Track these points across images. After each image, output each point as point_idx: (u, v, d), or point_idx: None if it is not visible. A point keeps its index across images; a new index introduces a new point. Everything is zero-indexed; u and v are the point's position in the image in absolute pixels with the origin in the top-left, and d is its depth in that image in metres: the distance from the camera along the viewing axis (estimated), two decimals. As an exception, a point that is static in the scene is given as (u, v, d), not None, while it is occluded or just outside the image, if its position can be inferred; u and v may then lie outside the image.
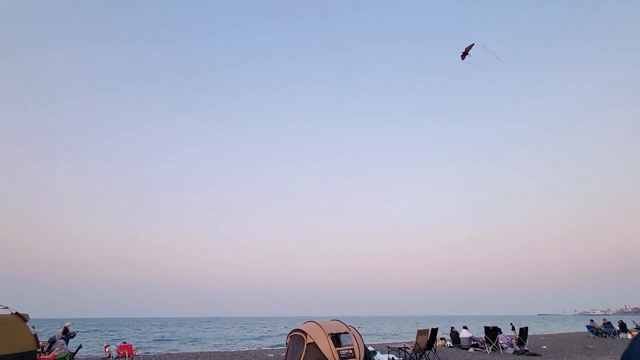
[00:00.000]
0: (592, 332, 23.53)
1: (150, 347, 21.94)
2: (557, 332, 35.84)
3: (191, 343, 26.27)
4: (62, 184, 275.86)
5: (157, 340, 29.17)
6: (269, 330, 44.71)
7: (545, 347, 16.78)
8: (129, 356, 11.29)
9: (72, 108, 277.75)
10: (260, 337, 32.26)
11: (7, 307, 8.51)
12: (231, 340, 29.48)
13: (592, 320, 24.81)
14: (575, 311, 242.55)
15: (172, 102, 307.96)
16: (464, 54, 12.77)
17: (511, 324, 17.57)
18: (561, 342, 19.59)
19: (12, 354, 7.63)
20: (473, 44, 12.67)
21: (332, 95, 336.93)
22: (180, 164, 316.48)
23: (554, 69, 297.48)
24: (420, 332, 11.48)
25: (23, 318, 8.58)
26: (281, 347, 19.19)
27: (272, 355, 14.32)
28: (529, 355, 13.26)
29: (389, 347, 13.56)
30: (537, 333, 32.51)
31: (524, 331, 15.04)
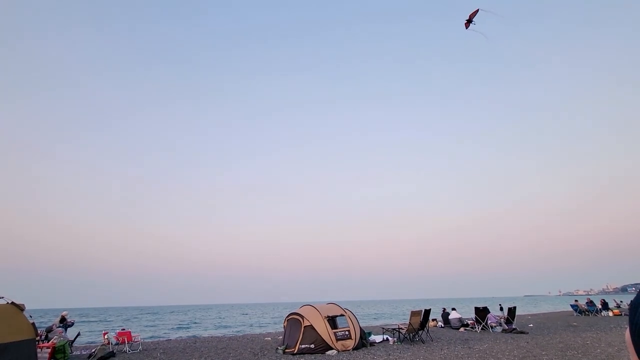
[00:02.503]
0: (575, 310, 24.56)
1: (165, 334, 22.16)
2: (543, 311, 37.27)
3: (189, 329, 26.60)
4: (62, 175, 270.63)
5: (178, 327, 29.37)
6: (266, 315, 45.47)
7: (531, 325, 17.48)
8: (128, 342, 11.41)
9: (63, 97, 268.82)
10: (257, 322, 32.80)
11: (3, 297, 8.48)
12: (229, 325, 29.92)
13: (576, 300, 25.90)
14: (560, 291, 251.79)
15: (162, 91, 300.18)
16: (468, 21, 11.67)
17: (499, 304, 18.17)
18: (547, 321, 20.43)
19: (12, 342, 7.65)
20: (477, 10, 11.50)
21: (323, 79, 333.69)
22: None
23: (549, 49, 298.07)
24: (414, 314, 11.83)
25: (19, 307, 8.57)
26: (279, 331, 19.57)
27: (269, 338, 14.62)
28: (517, 333, 13.83)
29: (383, 328, 13.96)
30: (524, 313, 33.74)
31: (512, 310, 15.61)
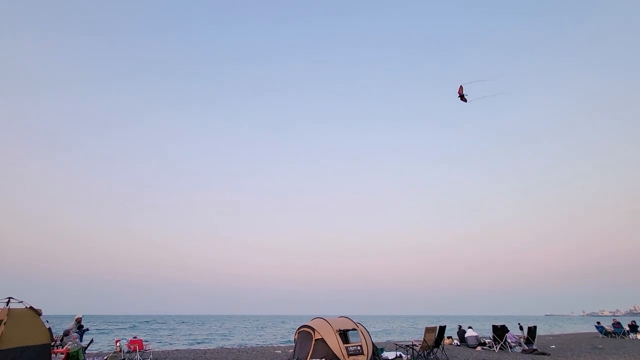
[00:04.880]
0: (601, 332, 23.27)
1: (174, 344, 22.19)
2: (566, 332, 35.49)
3: (197, 340, 26.52)
4: (79, 183, 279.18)
5: (189, 338, 29.44)
6: (277, 327, 44.95)
7: (553, 346, 16.65)
8: (139, 351, 11.45)
9: (66, 101, 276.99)
10: (268, 334, 32.45)
11: (22, 302, 8.69)
12: (239, 336, 29.71)
13: (598, 322, 24.60)
14: (583, 312, 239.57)
15: (173, 98, 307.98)
16: (461, 97, 12.68)
17: (519, 323, 17.35)
18: (570, 342, 19.42)
19: (28, 347, 7.78)
20: (461, 86, 12.60)
21: (332, 96, 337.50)
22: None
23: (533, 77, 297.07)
24: (428, 330, 11.46)
25: (37, 312, 8.75)
26: (289, 344, 19.29)
27: (279, 351, 14.40)
28: (538, 354, 13.17)
29: (396, 344, 13.55)
30: (545, 333, 32.23)
31: (532, 330, 14.93)
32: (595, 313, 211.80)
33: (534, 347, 14.12)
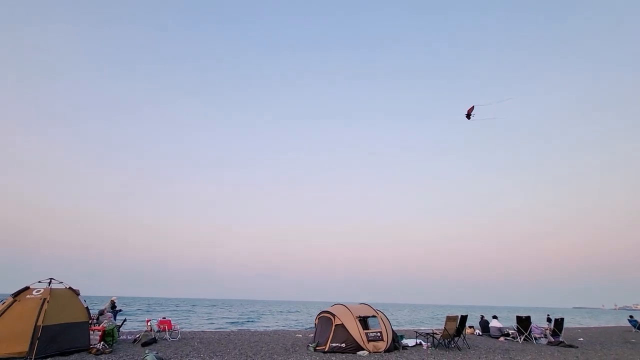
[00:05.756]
0: (634, 326, 22.27)
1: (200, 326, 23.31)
2: (595, 325, 34.20)
3: (226, 322, 27.64)
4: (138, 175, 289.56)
5: (215, 320, 30.81)
6: (297, 312, 46.06)
7: (581, 339, 16.11)
8: (168, 330, 12.10)
9: (71, 86, 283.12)
10: (290, 319, 33.32)
11: (62, 282, 9.35)
12: (264, 320, 30.71)
13: (631, 316, 23.52)
14: (615, 305, 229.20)
15: (182, 87, 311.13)
16: (468, 115, 13.29)
17: (548, 315, 16.72)
18: (599, 335, 18.72)
19: (69, 323, 8.39)
20: (473, 107, 13.27)
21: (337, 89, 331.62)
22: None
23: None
24: (450, 319, 11.36)
25: (75, 292, 9.40)
26: (310, 329, 19.74)
27: (300, 335, 14.78)
28: (565, 347, 12.80)
29: (416, 332, 13.57)
30: (573, 325, 31.21)
31: (559, 322, 14.49)
32: (628, 307, 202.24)
33: (561, 340, 13.73)
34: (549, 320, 16.82)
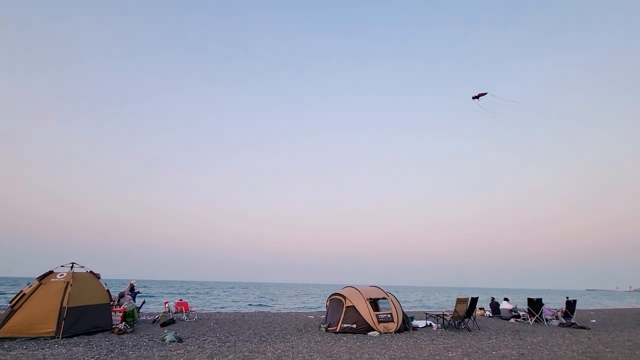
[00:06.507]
0: (649, 308, 22.04)
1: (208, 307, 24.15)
2: (609, 307, 33.97)
3: (240, 304, 28.52)
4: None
5: (230, 302, 31.81)
6: (307, 294, 47.09)
7: (594, 320, 16.08)
8: (185, 312, 12.58)
9: (82, 73, 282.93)
10: (302, 301, 34.13)
11: (83, 267, 9.75)
12: (278, 302, 31.53)
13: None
14: (630, 287, 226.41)
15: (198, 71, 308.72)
16: (475, 97, 13.06)
17: (567, 297, 16.37)
18: (612, 317, 18.63)
19: (92, 305, 8.80)
20: (486, 93, 13.00)
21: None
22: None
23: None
24: (460, 301, 11.46)
25: (96, 276, 9.81)
26: (321, 311, 20.21)
27: (312, 316, 15.17)
28: (577, 328, 12.81)
29: (427, 313, 13.75)
30: (586, 307, 31.08)
31: (571, 304, 14.45)
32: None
33: (573, 321, 13.73)
34: (568, 302, 16.65)
